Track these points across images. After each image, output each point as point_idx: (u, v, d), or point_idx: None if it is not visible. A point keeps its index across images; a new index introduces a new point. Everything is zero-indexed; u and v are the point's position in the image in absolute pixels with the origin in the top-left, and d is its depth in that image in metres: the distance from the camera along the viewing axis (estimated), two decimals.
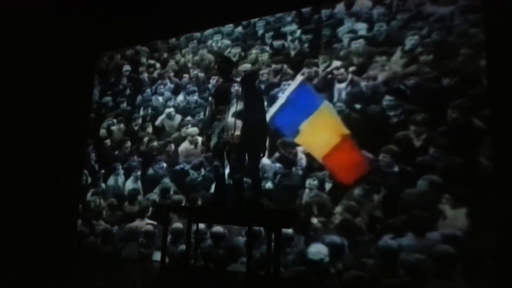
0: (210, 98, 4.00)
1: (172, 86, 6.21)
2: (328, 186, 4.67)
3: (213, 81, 5.79)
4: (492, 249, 3.72)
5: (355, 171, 4.51)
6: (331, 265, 4.44)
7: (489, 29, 4.09)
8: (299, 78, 5.08)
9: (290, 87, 5.10)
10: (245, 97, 3.72)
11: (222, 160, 3.79)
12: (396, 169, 4.33)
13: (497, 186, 3.81)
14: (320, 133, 4.79)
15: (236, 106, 3.65)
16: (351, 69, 4.79)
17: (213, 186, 4.92)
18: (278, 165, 5.00)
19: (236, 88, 3.71)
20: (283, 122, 5.05)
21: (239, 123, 3.60)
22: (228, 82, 3.79)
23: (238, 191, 3.67)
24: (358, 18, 4.87)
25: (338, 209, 4.54)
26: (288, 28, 5.34)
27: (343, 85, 4.81)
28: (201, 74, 5.96)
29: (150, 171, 6.07)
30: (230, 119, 3.63)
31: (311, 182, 4.76)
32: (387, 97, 4.51)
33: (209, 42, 6.01)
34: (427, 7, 4.46)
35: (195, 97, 5.93)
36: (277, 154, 5.02)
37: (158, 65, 6.46)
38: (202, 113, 5.77)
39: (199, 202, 5.49)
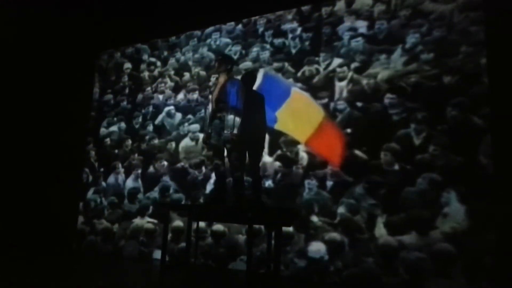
0: (210, 96, 3.98)
1: (173, 84, 6.21)
2: (328, 184, 4.67)
3: (213, 79, 5.79)
4: (492, 248, 3.72)
5: (339, 148, 4.57)
6: (331, 263, 4.45)
7: (490, 27, 4.08)
8: (261, 71, 5.19)
9: (257, 82, 5.07)
10: (245, 95, 3.72)
11: (222, 159, 3.79)
12: (396, 167, 4.33)
13: (497, 185, 3.80)
14: (299, 118, 4.83)
15: (236, 105, 3.64)
16: (352, 67, 4.78)
17: (211, 185, 4.96)
18: (278, 163, 4.99)
19: (236, 86, 3.71)
20: None
21: (238, 121, 3.60)
22: (228, 80, 3.78)
23: (239, 189, 3.67)
24: (359, 16, 4.86)
25: (338, 207, 4.54)
26: (288, 26, 5.33)
27: (343, 83, 4.80)
28: (202, 72, 5.96)
29: (151, 169, 6.08)
30: (230, 117, 3.63)
31: (311, 180, 4.76)
32: (388, 95, 4.51)
33: (209, 40, 6.00)
34: (427, 5, 4.45)
35: (195, 95, 5.93)
36: (278, 152, 5.01)
37: (158, 63, 6.46)
38: (202, 111, 5.77)
39: (200, 201, 5.50)
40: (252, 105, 3.79)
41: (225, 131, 3.63)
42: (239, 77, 4.22)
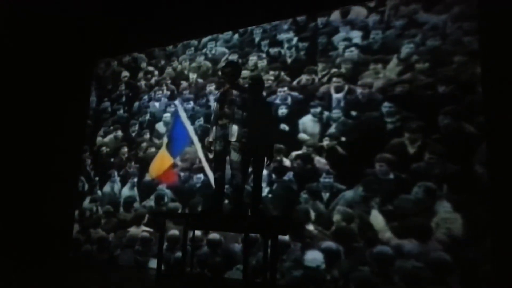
0: (215, 104, 3.92)
1: (169, 93, 6.23)
2: (324, 193, 4.68)
3: (210, 87, 5.82)
4: (488, 256, 3.73)
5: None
6: (327, 272, 4.44)
7: (483, 37, 4.13)
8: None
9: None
10: (251, 103, 3.70)
11: (223, 167, 3.77)
12: (391, 176, 4.35)
13: (492, 192, 3.82)
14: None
15: (242, 113, 3.62)
16: (347, 76, 4.82)
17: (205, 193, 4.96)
18: (274, 172, 5.00)
19: (242, 94, 3.69)
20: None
21: (243, 129, 3.59)
22: (234, 88, 3.76)
23: (238, 196, 3.65)
24: (354, 26, 4.91)
25: (334, 215, 4.54)
26: (284, 36, 5.37)
27: (339, 92, 4.83)
28: (199, 81, 5.98)
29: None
30: (235, 125, 3.62)
31: (307, 189, 4.76)
32: (384, 104, 4.54)
33: (206, 49, 6.04)
34: (421, 15, 4.51)
35: (191, 104, 5.94)
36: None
37: (155, 72, 6.48)
38: (200, 119, 5.79)
39: (196, 209, 5.48)
40: (258, 112, 3.78)
41: (229, 139, 3.62)
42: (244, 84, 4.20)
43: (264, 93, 4.86)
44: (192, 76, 6.06)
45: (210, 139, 3.82)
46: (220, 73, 3.96)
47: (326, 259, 4.48)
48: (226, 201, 4.51)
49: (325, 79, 4.94)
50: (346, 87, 4.79)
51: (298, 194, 4.80)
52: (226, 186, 3.89)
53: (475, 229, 3.85)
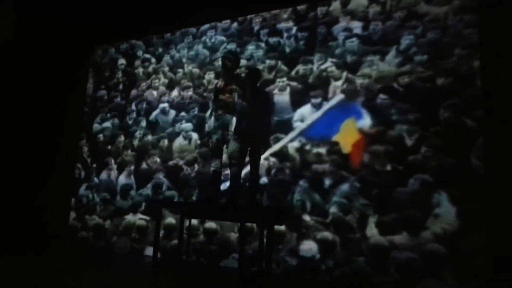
0: (212, 94, 3.91)
1: (167, 81, 6.19)
2: (321, 183, 4.69)
3: (207, 76, 5.78)
4: (482, 249, 3.76)
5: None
6: (323, 262, 4.47)
7: (483, 30, 4.12)
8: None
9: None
10: (249, 94, 3.70)
11: (221, 156, 3.77)
12: (388, 168, 4.36)
13: (488, 186, 3.84)
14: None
15: (241, 103, 3.62)
16: (346, 67, 4.80)
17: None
18: (272, 160, 5.00)
19: (240, 84, 3.68)
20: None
21: (240, 119, 3.59)
22: (232, 79, 3.75)
23: (234, 184, 3.66)
24: (354, 17, 4.87)
25: (330, 206, 4.56)
26: (283, 25, 5.33)
27: (338, 83, 4.82)
28: (196, 70, 5.94)
29: (144, 166, 6.06)
30: (232, 116, 3.61)
31: (304, 179, 4.77)
32: (381, 96, 4.53)
33: (205, 37, 5.99)
34: (422, 7, 4.48)
35: (189, 92, 5.91)
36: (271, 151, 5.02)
37: (153, 59, 6.43)
38: (196, 108, 5.77)
39: (193, 198, 5.49)
40: (256, 103, 3.78)
41: (226, 130, 3.61)
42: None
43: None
44: (189, 65, 6.02)
45: (207, 129, 3.82)
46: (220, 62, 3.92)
47: (321, 249, 4.50)
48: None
49: (324, 68, 4.91)
50: (344, 77, 4.78)
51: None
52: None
53: (470, 221, 3.88)
